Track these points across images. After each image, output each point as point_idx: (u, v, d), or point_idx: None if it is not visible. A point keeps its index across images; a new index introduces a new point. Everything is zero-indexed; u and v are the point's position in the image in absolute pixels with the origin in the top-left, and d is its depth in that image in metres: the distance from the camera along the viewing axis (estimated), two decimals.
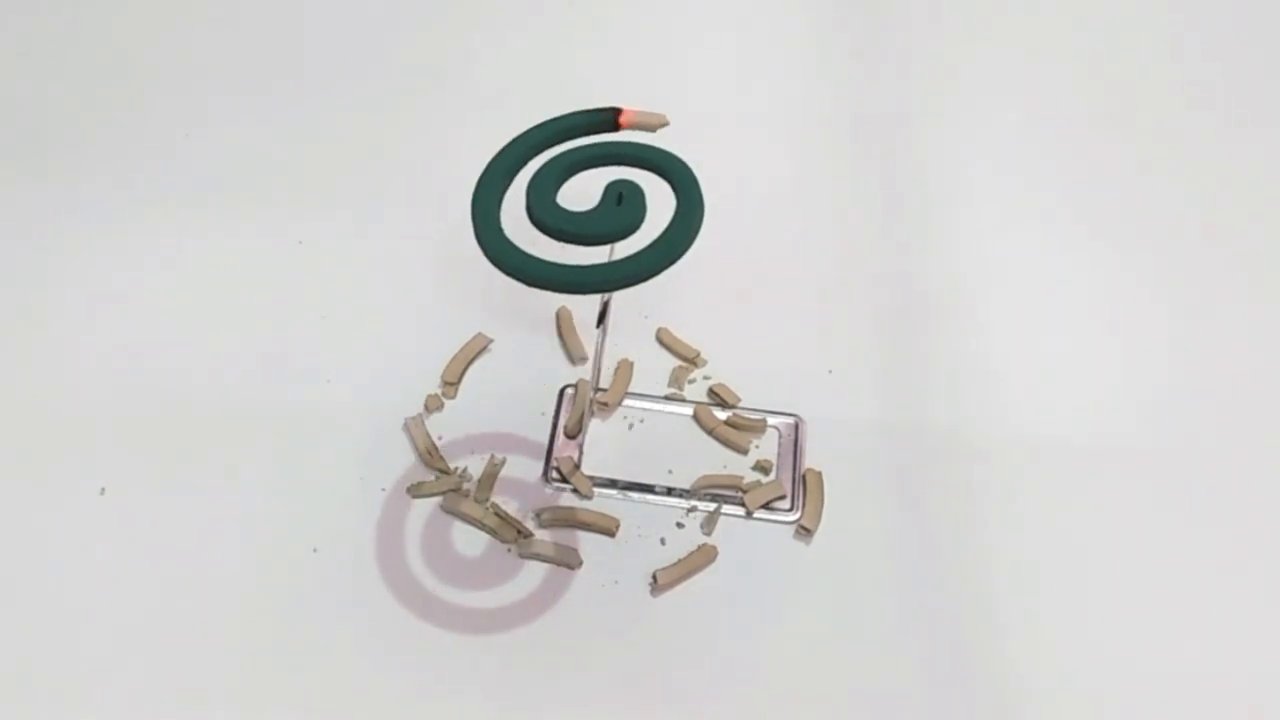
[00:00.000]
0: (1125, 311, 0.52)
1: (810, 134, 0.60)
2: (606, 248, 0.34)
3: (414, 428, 0.46)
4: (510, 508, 0.44)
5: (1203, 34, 0.67)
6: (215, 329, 0.50)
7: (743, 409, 0.48)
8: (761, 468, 0.46)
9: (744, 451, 0.46)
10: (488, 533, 0.44)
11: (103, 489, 0.44)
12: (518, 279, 0.33)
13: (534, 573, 0.43)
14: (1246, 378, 0.49)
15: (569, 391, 0.48)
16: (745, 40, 0.66)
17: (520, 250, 0.33)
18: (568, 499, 0.45)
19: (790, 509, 0.44)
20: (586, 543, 0.44)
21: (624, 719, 0.39)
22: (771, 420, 0.47)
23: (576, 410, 0.47)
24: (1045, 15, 0.68)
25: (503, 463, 0.45)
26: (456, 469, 0.45)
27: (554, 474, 0.45)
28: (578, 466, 0.46)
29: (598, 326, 0.40)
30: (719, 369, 0.49)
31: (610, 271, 0.32)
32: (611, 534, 0.43)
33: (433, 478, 0.45)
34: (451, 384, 0.48)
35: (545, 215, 0.33)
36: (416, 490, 0.44)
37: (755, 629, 0.41)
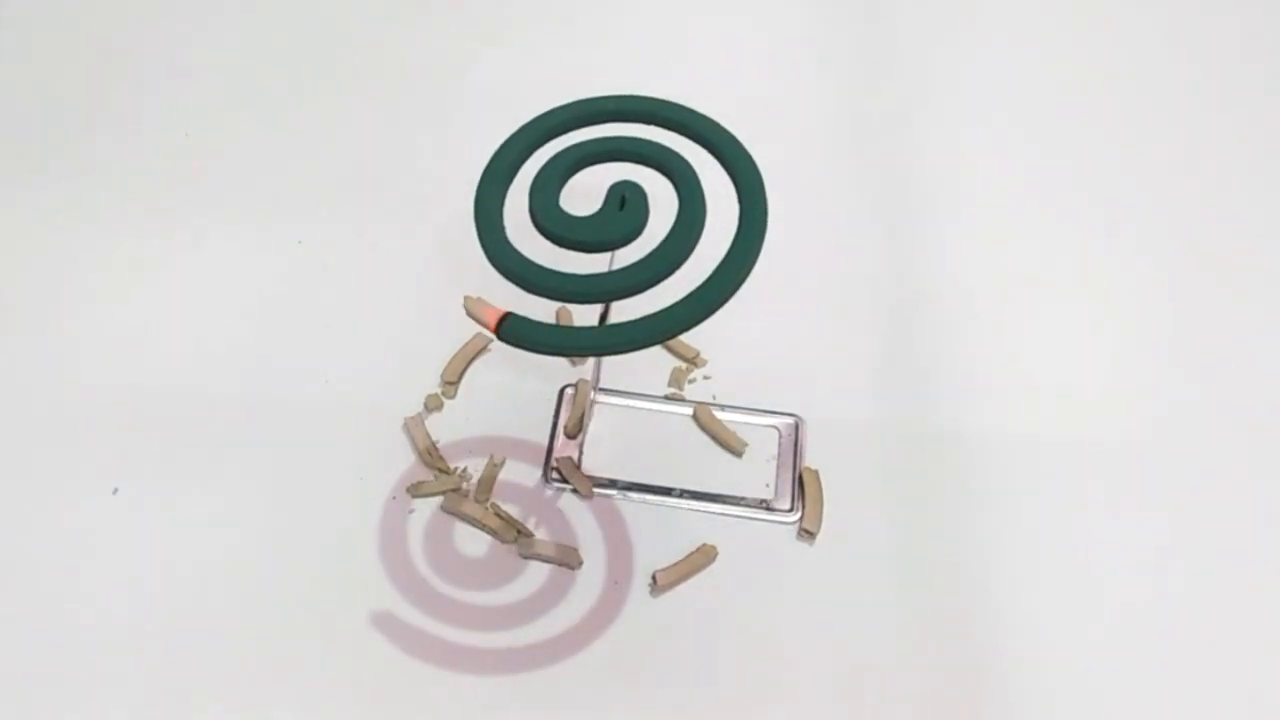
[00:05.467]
0: (1125, 311, 0.52)
1: (810, 134, 0.60)
2: None
3: (414, 427, 0.46)
4: (510, 508, 0.44)
5: (1198, 33, 0.67)
6: (215, 329, 0.50)
7: (743, 409, 0.48)
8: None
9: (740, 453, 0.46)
10: (488, 533, 0.44)
11: (115, 489, 0.44)
12: (519, 286, 0.33)
13: (534, 573, 0.43)
14: (1248, 376, 0.50)
15: (569, 391, 0.48)
16: (744, 39, 0.66)
17: (522, 256, 0.33)
18: (568, 499, 0.45)
19: (790, 509, 0.44)
20: (586, 543, 0.44)
21: (624, 719, 0.39)
22: (771, 420, 0.47)
23: (576, 410, 0.47)
24: (1044, 15, 0.68)
25: (502, 463, 0.46)
26: (456, 469, 0.45)
27: (554, 474, 0.46)
28: (578, 466, 0.46)
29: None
30: (719, 369, 0.49)
31: (611, 281, 0.32)
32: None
33: (433, 477, 0.45)
34: (451, 384, 0.48)
35: (548, 221, 0.33)
36: (416, 490, 0.44)
37: (755, 629, 0.41)
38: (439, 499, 0.44)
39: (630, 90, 0.38)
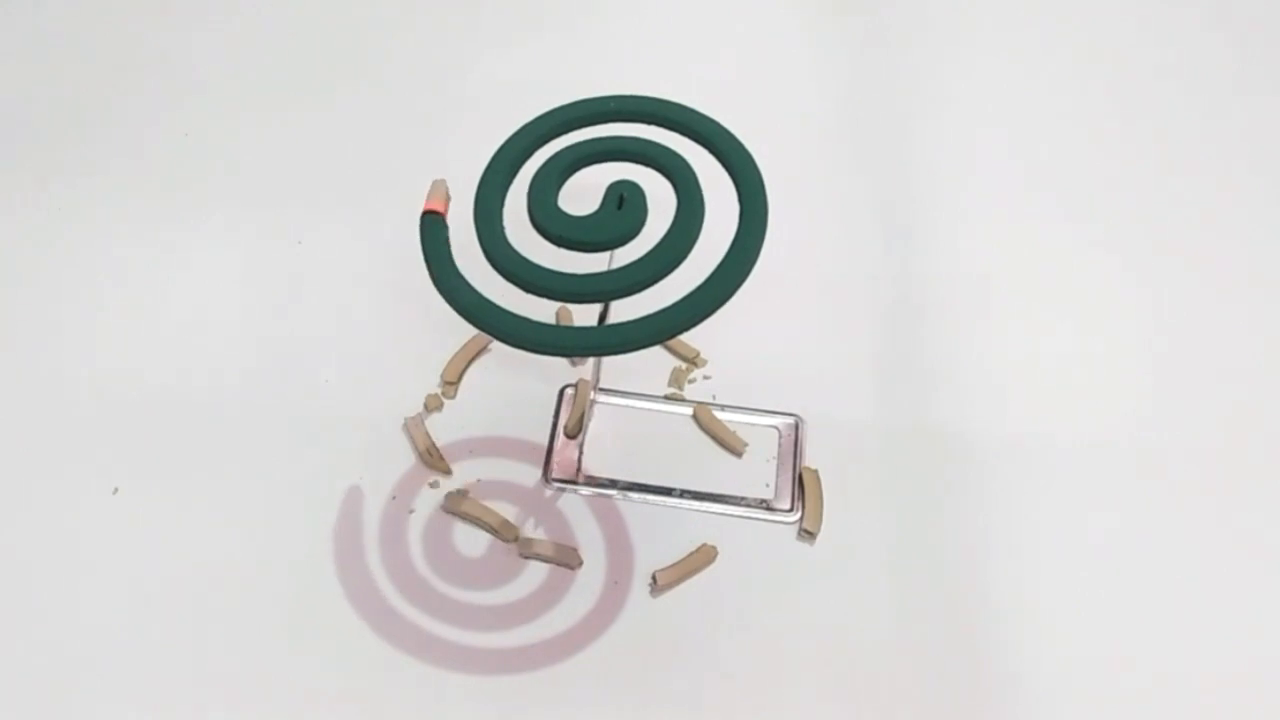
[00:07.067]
0: (1125, 310, 0.52)
1: (810, 133, 0.60)
2: None
3: (414, 427, 0.46)
4: (510, 508, 0.44)
5: (1199, 33, 0.67)
6: (215, 329, 0.50)
7: (743, 409, 0.48)
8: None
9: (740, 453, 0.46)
10: (488, 532, 0.44)
11: (115, 489, 0.44)
12: (519, 286, 0.33)
13: (534, 573, 0.43)
14: (1248, 375, 0.49)
15: (569, 391, 0.48)
16: (744, 39, 0.66)
17: (522, 256, 0.33)
18: (568, 499, 0.45)
19: (790, 509, 0.44)
20: (586, 543, 0.44)
21: (624, 719, 0.39)
22: (771, 420, 0.47)
23: (576, 410, 0.47)
24: (1044, 16, 0.68)
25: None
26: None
27: (554, 474, 0.45)
28: (578, 467, 0.46)
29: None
30: (719, 369, 0.49)
31: (610, 281, 0.32)
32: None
33: (433, 479, 0.45)
34: (451, 384, 0.48)
35: (546, 221, 0.33)
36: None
37: (755, 629, 0.41)
38: (438, 499, 0.44)
39: (630, 90, 0.38)
